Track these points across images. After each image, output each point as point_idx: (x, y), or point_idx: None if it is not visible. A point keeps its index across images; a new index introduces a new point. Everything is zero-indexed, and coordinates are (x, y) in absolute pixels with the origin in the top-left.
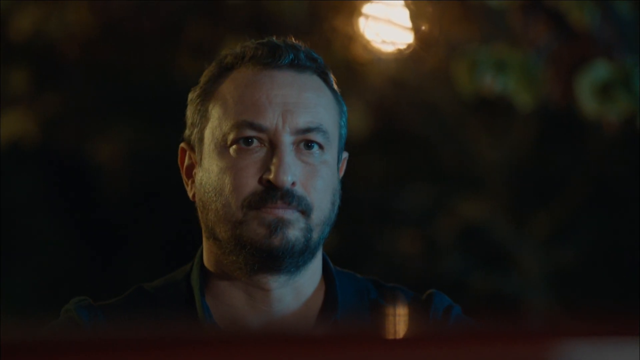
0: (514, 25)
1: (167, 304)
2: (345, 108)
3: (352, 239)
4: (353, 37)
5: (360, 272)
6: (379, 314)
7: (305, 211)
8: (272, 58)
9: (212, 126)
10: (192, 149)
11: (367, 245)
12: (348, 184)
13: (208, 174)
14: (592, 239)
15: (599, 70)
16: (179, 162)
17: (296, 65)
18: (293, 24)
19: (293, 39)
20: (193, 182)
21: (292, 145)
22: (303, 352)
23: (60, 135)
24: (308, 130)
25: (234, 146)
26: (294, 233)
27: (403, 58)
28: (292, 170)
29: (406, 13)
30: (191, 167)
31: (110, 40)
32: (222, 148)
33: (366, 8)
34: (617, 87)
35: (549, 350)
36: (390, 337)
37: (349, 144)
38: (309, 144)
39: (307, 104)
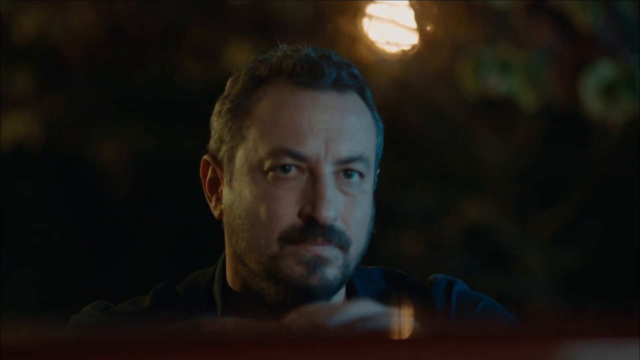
0: (518, 26)
1: (189, 317)
2: (381, 126)
3: None
4: (357, 38)
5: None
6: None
7: (344, 246)
8: (313, 78)
9: (246, 147)
10: (218, 164)
11: (371, 246)
12: None
13: (240, 198)
14: (596, 240)
15: (602, 71)
16: (200, 174)
17: (338, 85)
18: (297, 25)
19: (332, 53)
20: (218, 199)
21: (333, 175)
22: (321, 352)
23: (64, 137)
24: (351, 160)
25: (270, 173)
26: (333, 272)
27: (407, 59)
28: (334, 205)
29: (410, 14)
30: (216, 183)
31: (113, 42)
32: (256, 173)
33: (370, 9)
34: (621, 88)
35: (552, 352)
36: (394, 339)
37: None
38: (348, 173)
39: (350, 131)
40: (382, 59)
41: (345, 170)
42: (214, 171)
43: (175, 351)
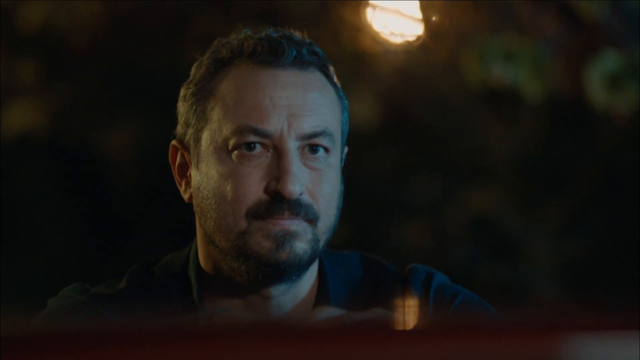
0: (523, 16)
1: (165, 299)
2: (346, 103)
3: (361, 231)
4: (361, 28)
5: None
6: (369, 301)
7: (312, 220)
8: (274, 56)
9: (211, 128)
10: (185, 148)
11: (376, 236)
12: (357, 176)
13: (207, 179)
14: (602, 230)
15: (608, 61)
16: (169, 160)
17: (299, 63)
18: (301, 15)
19: (293, 30)
20: (187, 183)
21: (298, 151)
22: (298, 342)
23: (69, 127)
24: (314, 135)
25: (235, 151)
26: (302, 245)
27: (412, 49)
28: (299, 179)
29: (415, 4)
30: (185, 167)
31: (119, 31)
32: (222, 152)
33: None
34: (626, 78)
35: (557, 343)
36: (396, 331)
37: (359, 136)
38: (314, 148)
39: (313, 107)
40: (387, 49)
41: (310, 145)
42: (182, 156)
43: (186, 344)
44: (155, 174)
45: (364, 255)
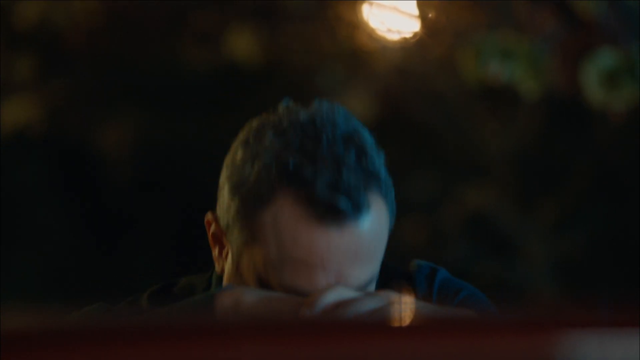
0: (521, 14)
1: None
2: (394, 210)
3: None
4: (358, 25)
5: None
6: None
7: None
8: (330, 215)
9: (254, 261)
10: (223, 234)
11: None
12: None
13: (239, 281)
14: (598, 228)
15: (605, 59)
16: (205, 223)
17: (357, 212)
18: (298, 12)
19: (356, 132)
20: (220, 254)
21: None
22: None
23: (66, 123)
24: (359, 287)
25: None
26: None
27: (409, 46)
28: None
29: (412, 1)
30: (220, 241)
31: (115, 28)
32: (262, 284)
33: None
34: (623, 76)
35: (554, 340)
36: (396, 327)
37: None
38: None
39: (364, 260)
40: (384, 46)
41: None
42: (218, 231)
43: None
44: (151, 169)
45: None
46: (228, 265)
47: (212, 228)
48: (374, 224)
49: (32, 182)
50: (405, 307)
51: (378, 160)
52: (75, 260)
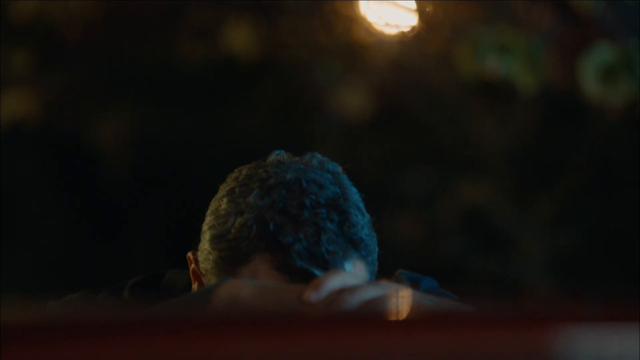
0: (518, 8)
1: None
2: (376, 269)
3: None
4: (355, 19)
5: None
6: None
7: None
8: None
9: None
10: (202, 275)
11: None
12: (349, 167)
13: None
14: (595, 223)
15: (602, 54)
16: (187, 260)
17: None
18: (295, 6)
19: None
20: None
21: None
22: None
23: (62, 117)
24: None
25: None
26: None
27: (406, 41)
28: None
29: None
30: (198, 278)
31: (112, 22)
32: None
33: None
34: (620, 71)
35: (550, 336)
36: (383, 321)
37: (351, 128)
38: None
39: None
40: (381, 40)
41: None
42: (197, 272)
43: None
44: (147, 163)
45: None
46: None
47: (192, 267)
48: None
49: (28, 175)
50: (406, 296)
51: (362, 224)
52: (71, 253)
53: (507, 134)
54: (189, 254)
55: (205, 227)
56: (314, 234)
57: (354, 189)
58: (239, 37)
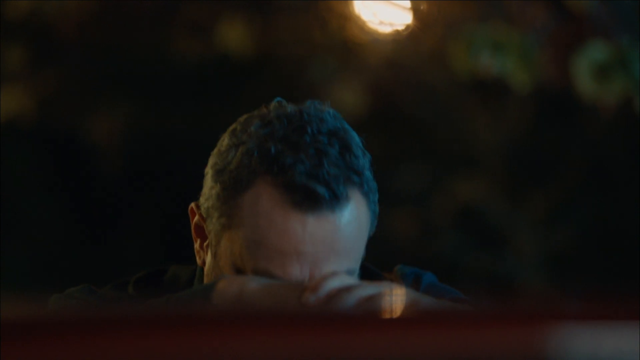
0: (512, 6)
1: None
2: (377, 211)
3: None
4: (350, 18)
5: None
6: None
7: None
8: (307, 202)
9: (232, 247)
10: (204, 221)
11: None
12: None
13: (218, 272)
14: (588, 220)
15: (595, 52)
16: (189, 213)
17: (334, 202)
18: (289, 4)
19: (339, 128)
20: (202, 247)
21: None
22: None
23: (57, 114)
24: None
25: None
26: None
27: (400, 38)
28: None
29: None
30: (202, 232)
31: (107, 18)
32: (238, 271)
33: None
34: (614, 68)
35: (544, 333)
36: (380, 319)
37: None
38: None
39: (339, 252)
40: (375, 38)
41: None
42: (200, 222)
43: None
44: (141, 159)
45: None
46: (208, 257)
47: (195, 219)
48: (352, 218)
49: (24, 171)
50: (404, 296)
51: (363, 160)
52: (66, 249)
53: (501, 131)
54: (191, 205)
55: (207, 169)
56: (315, 155)
57: (355, 132)
58: (234, 34)
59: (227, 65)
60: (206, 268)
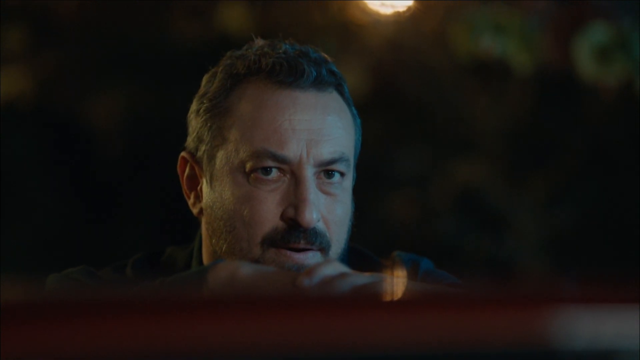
0: None
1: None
2: (359, 121)
3: None
4: None
5: (353, 237)
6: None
7: (325, 249)
8: (293, 77)
9: (227, 148)
10: (197, 162)
11: (361, 208)
12: None
13: (221, 200)
14: (589, 203)
15: (596, 34)
16: (178, 170)
17: (318, 84)
18: None
19: (310, 49)
20: (197, 197)
21: (314, 177)
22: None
23: (57, 96)
24: (332, 161)
25: (251, 174)
26: None
27: (401, 20)
28: (316, 207)
29: None
30: (194, 180)
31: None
32: (238, 174)
33: None
34: (615, 51)
35: (544, 316)
36: (388, 302)
37: None
38: (330, 173)
39: (331, 131)
40: (376, 20)
41: (327, 170)
42: (192, 168)
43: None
44: (141, 142)
45: (349, 246)
46: (205, 197)
47: (187, 168)
48: (337, 108)
49: (23, 154)
50: (398, 283)
51: (340, 75)
52: (66, 232)
53: (502, 113)
54: (181, 154)
55: (189, 114)
56: (294, 57)
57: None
58: (234, 16)
59: (227, 46)
60: (205, 213)
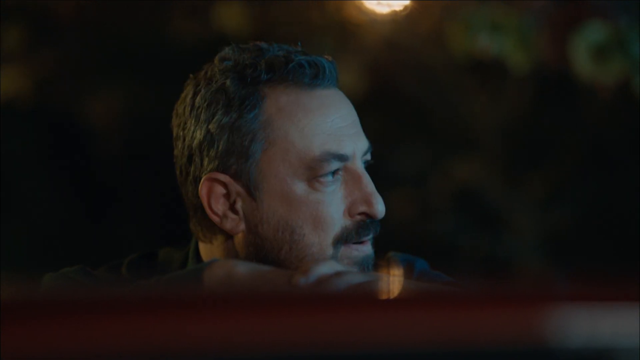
0: None
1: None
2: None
3: None
4: None
5: None
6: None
7: (375, 236)
8: (320, 76)
9: (276, 161)
10: (234, 178)
11: None
12: None
13: (275, 210)
14: (587, 202)
15: (594, 33)
16: (201, 192)
17: (334, 80)
18: None
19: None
20: (235, 213)
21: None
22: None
23: (55, 95)
24: (368, 150)
25: (314, 181)
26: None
27: (398, 19)
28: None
29: None
30: (225, 198)
31: None
32: (297, 183)
33: None
34: (612, 50)
35: (542, 314)
36: (374, 300)
37: None
38: (364, 162)
39: (358, 122)
40: (373, 19)
41: (364, 161)
42: (223, 187)
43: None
44: (139, 141)
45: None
46: (248, 214)
47: (218, 189)
48: (345, 97)
49: (21, 153)
50: (394, 281)
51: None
52: (64, 231)
53: (499, 112)
54: (204, 179)
55: (202, 129)
56: (307, 57)
57: None
58: (231, 15)
59: (224, 45)
60: (248, 228)
